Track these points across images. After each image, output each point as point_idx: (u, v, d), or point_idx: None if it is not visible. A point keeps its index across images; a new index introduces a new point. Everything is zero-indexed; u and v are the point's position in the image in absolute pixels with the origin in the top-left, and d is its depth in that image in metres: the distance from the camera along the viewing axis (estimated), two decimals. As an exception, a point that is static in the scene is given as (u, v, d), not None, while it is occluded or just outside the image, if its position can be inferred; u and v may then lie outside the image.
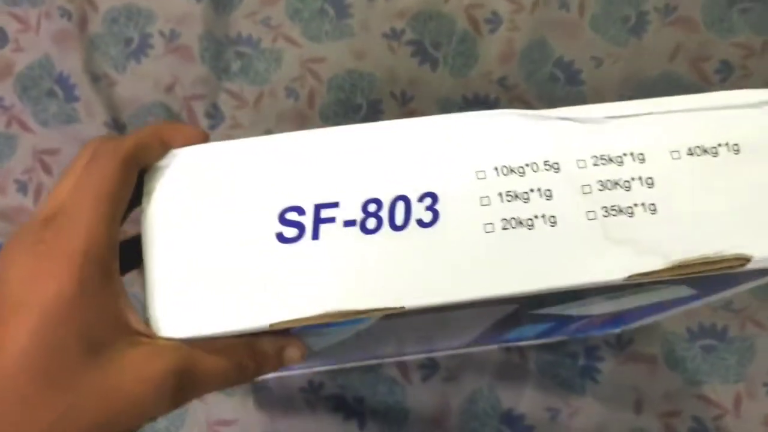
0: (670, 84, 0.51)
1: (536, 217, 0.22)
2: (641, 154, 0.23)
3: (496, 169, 0.22)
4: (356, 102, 0.51)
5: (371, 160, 0.22)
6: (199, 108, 0.50)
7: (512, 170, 0.22)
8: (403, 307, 0.21)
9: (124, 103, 0.50)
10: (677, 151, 0.23)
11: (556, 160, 0.22)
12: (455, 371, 0.46)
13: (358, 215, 0.22)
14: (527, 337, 0.44)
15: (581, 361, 0.46)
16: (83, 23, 0.51)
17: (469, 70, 0.51)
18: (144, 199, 0.23)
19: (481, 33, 0.52)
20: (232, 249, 0.22)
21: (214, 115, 0.50)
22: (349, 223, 0.22)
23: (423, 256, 0.22)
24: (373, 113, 0.50)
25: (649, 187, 0.22)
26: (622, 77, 0.51)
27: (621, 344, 0.46)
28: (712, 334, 0.46)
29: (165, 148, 0.23)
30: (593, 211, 0.22)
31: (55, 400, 0.20)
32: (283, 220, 0.22)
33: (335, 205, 0.22)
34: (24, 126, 0.49)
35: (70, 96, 0.50)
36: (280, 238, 0.22)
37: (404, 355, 0.45)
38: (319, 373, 0.45)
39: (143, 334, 0.22)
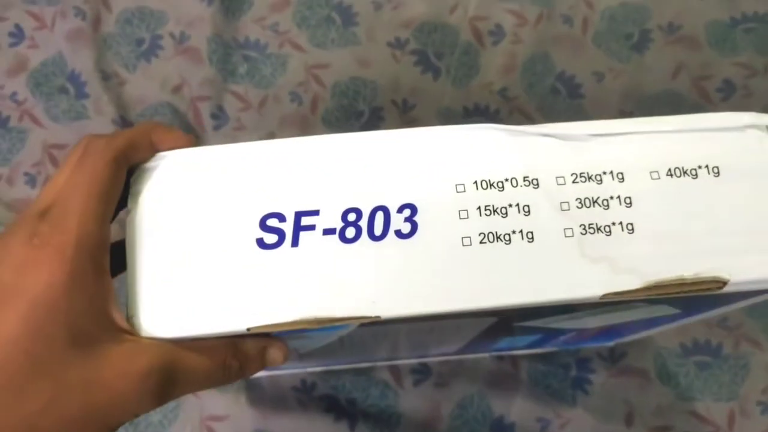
0: (670, 101, 0.52)
1: (514, 232, 0.22)
2: (621, 173, 0.23)
3: (475, 183, 0.23)
4: (358, 108, 0.51)
5: (353, 170, 0.23)
6: (205, 109, 0.51)
7: (492, 185, 0.23)
8: (378, 317, 0.22)
9: (133, 102, 0.51)
10: (656, 172, 0.23)
11: (536, 176, 0.23)
12: (447, 377, 0.46)
13: (338, 224, 0.22)
14: (519, 346, 0.44)
15: (573, 373, 0.46)
16: (97, 23, 0.53)
17: (471, 81, 0.52)
18: (130, 200, 0.23)
19: (484, 45, 0.53)
20: (214, 253, 0.22)
21: (219, 116, 0.51)
22: (328, 232, 0.22)
23: (400, 267, 0.22)
24: (374, 120, 0.51)
25: (628, 207, 0.22)
26: (623, 93, 0.52)
27: (613, 357, 0.46)
28: (706, 350, 0.46)
29: (153, 149, 0.24)
30: (571, 229, 0.22)
31: (40, 389, 0.20)
32: (263, 226, 0.22)
33: (315, 213, 0.22)
34: (35, 121, 0.51)
35: (81, 93, 0.51)
36: (261, 243, 0.22)
37: (397, 359, 0.46)
38: (312, 373, 0.46)
39: (127, 331, 0.22)
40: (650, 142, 0.23)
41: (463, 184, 0.23)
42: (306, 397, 0.45)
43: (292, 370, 0.45)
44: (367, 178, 0.23)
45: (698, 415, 0.45)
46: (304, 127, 0.51)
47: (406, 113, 0.51)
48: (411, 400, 0.46)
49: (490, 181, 0.23)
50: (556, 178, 0.23)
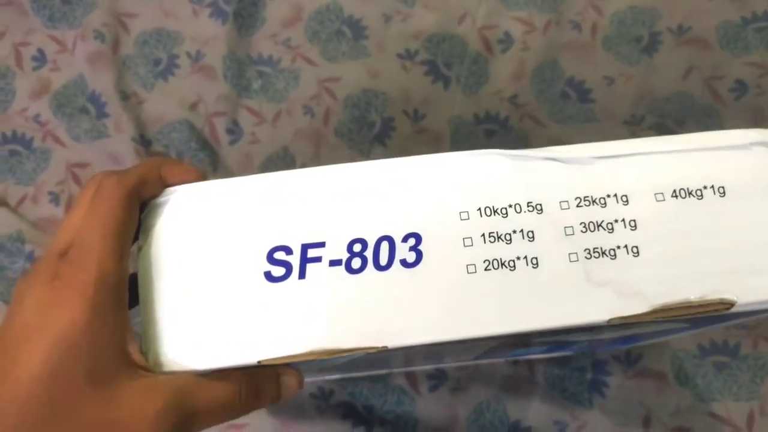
0: (682, 103, 0.52)
1: (518, 258, 0.22)
2: (625, 195, 0.23)
3: (479, 210, 0.23)
4: (370, 119, 0.52)
5: (357, 200, 0.23)
6: (221, 124, 0.52)
7: (495, 211, 0.23)
8: (385, 347, 0.22)
9: (151, 120, 0.53)
10: (661, 193, 0.23)
11: (540, 201, 0.23)
12: (463, 382, 0.46)
13: (344, 255, 0.23)
14: (534, 351, 0.44)
15: (589, 375, 0.46)
16: (116, 45, 0.54)
17: (481, 89, 0.53)
18: (141, 236, 0.24)
19: (493, 53, 0.54)
20: (223, 286, 0.23)
21: (235, 131, 0.52)
22: (334, 263, 0.22)
23: (406, 296, 0.22)
24: (386, 130, 0.52)
25: (632, 230, 0.22)
26: (635, 96, 0.52)
27: (630, 359, 0.46)
28: (724, 351, 0.46)
29: (163, 184, 0.24)
30: (575, 253, 0.22)
31: (58, 429, 0.20)
32: (271, 260, 0.23)
33: (322, 245, 0.23)
34: (58, 141, 0.52)
35: (101, 113, 0.53)
36: (268, 277, 0.23)
37: (413, 366, 0.46)
38: (329, 380, 0.47)
39: (143, 367, 0.22)
40: (654, 163, 0.23)
41: (467, 212, 0.23)
42: (324, 404, 0.46)
43: (310, 378, 0.46)
44: (372, 208, 0.23)
45: (717, 415, 0.45)
46: (318, 140, 0.52)
47: (417, 123, 0.52)
48: (427, 406, 0.46)
49: (493, 207, 0.23)
50: (560, 202, 0.23)
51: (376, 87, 0.53)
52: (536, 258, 0.22)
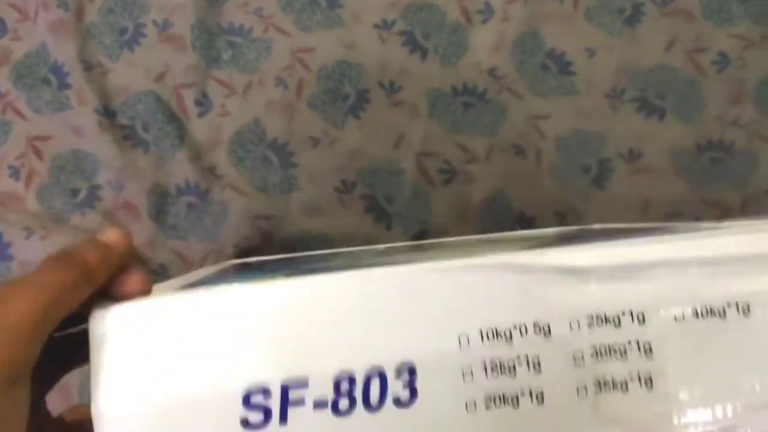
0: (664, 76, 0.50)
1: (522, 393, 0.20)
2: (641, 313, 0.21)
3: (481, 332, 0.20)
4: (344, 91, 0.51)
5: (343, 322, 0.20)
6: (189, 96, 0.51)
7: (498, 334, 0.20)
8: None
9: (116, 91, 0.51)
10: (681, 312, 0.21)
11: (548, 321, 0.20)
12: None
13: (330, 394, 0.20)
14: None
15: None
16: (80, 13, 0.52)
17: (459, 60, 0.51)
18: (91, 372, 0.20)
19: (472, 23, 0.52)
20: None
21: (204, 102, 0.51)
22: (319, 405, 0.20)
23: None
24: (360, 103, 0.50)
25: (647, 355, 0.20)
26: (616, 68, 0.51)
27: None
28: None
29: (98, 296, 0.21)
30: (584, 387, 0.20)
31: None
32: (247, 404, 0.20)
33: (304, 384, 0.20)
34: (18, 113, 0.50)
35: (63, 84, 0.51)
36: (245, 424, 0.20)
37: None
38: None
39: None
40: (677, 274, 0.21)
41: (467, 335, 0.20)
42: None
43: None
44: (360, 332, 0.20)
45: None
46: (290, 112, 0.50)
47: (393, 95, 0.50)
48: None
49: (496, 330, 0.20)
50: (570, 322, 0.21)
51: (351, 58, 0.51)
52: (542, 392, 0.20)
